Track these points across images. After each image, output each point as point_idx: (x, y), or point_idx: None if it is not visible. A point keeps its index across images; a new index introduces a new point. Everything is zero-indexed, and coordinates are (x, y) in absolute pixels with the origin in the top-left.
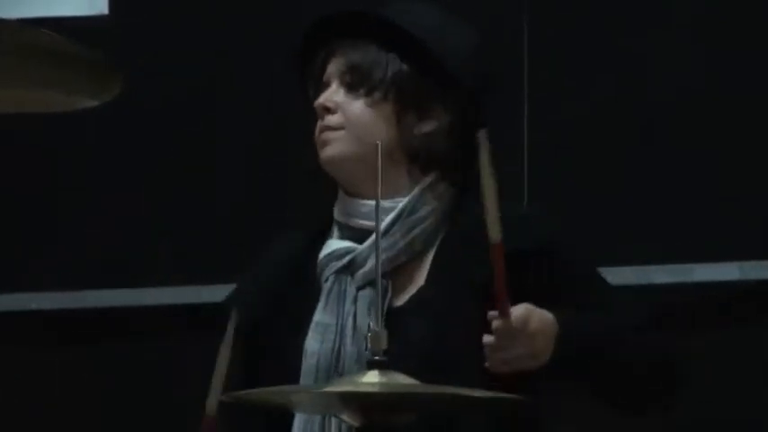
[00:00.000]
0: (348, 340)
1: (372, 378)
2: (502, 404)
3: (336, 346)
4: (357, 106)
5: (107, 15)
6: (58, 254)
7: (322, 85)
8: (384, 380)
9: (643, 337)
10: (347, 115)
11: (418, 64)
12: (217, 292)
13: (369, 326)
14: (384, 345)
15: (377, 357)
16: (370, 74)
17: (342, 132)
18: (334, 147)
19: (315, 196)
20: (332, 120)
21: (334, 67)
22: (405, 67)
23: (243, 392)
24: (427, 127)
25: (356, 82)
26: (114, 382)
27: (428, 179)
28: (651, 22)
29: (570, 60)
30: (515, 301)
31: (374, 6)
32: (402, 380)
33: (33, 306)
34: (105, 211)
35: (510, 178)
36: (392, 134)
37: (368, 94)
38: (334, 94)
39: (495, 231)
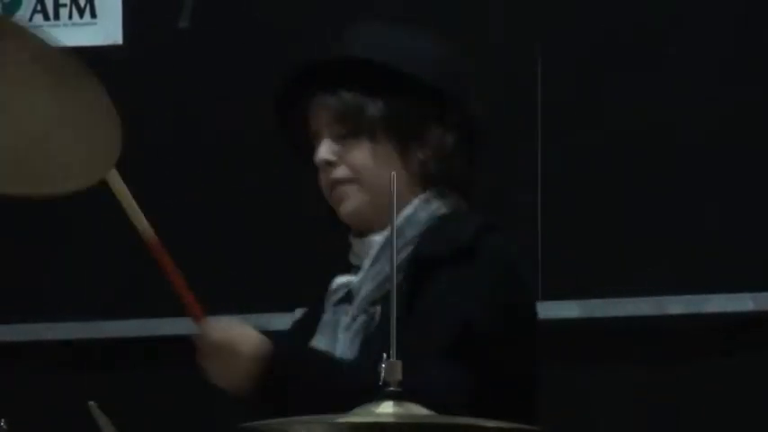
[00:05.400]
0: None
1: (387, 409)
2: None
3: None
4: (358, 155)
5: (121, 45)
6: (73, 284)
7: (313, 135)
8: (399, 410)
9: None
10: (352, 166)
11: (397, 92)
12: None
13: (383, 356)
14: (399, 375)
15: (391, 388)
16: (358, 120)
17: (354, 186)
18: (352, 201)
19: (336, 238)
20: (339, 173)
21: (321, 121)
22: (387, 101)
23: (258, 423)
24: (429, 151)
25: (347, 131)
26: (130, 412)
27: (419, 199)
28: (665, 50)
29: (584, 89)
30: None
31: (337, 42)
32: (416, 410)
33: (48, 336)
34: (120, 241)
35: (525, 206)
36: (400, 168)
37: (370, 138)
38: (330, 146)
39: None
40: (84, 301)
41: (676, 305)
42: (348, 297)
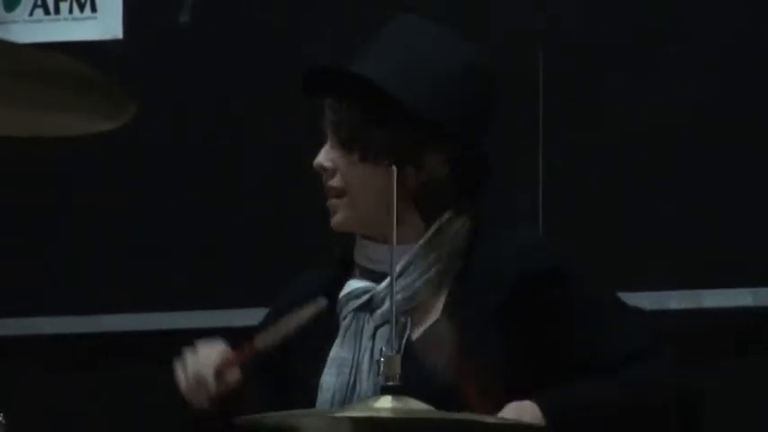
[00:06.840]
0: (364, 375)
1: (386, 403)
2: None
3: (352, 380)
4: (355, 172)
5: (121, 40)
6: (73, 278)
7: (324, 132)
8: (398, 405)
9: (645, 383)
10: (347, 180)
11: (396, 116)
12: (232, 317)
13: (381, 350)
14: (398, 369)
15: (390, 383)
16: (354, 137)
17: (345, 199)
18: (341, 215)
19: (334, 235)
20: (333, 182)
21: (327, 121)
22: (384, 125)
23: (256, 416)
24: (425, 177)
25: (347, 140)
26: (129, 407)
27: (442, 219)
28: (665, 50)
29: (584, 89)
30: (525, 326)
31: (364, 46)
32: (415, 405)
33: (48, 330)
34: (120, 236)
35: (525, 205)
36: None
37: (362, 158)
38: (330, 152)
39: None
40: (84, 295)
41: (674, 300)
42: (369, 303)
